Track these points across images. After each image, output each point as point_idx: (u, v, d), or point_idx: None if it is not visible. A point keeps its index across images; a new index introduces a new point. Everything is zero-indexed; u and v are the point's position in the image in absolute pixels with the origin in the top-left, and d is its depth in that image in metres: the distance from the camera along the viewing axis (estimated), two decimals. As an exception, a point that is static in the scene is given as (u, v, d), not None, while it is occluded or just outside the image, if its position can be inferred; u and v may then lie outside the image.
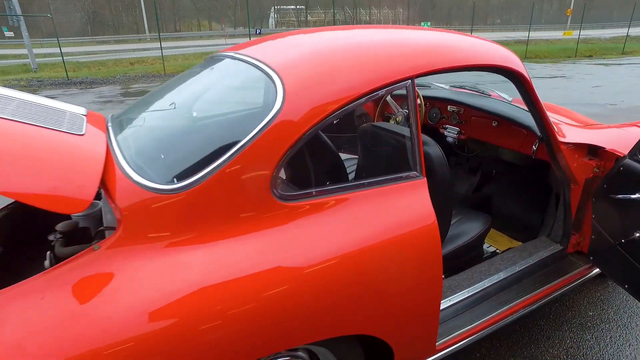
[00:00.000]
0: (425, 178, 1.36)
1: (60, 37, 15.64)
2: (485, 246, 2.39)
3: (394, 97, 2.92)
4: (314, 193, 1.21)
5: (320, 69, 1.30)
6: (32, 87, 12.28)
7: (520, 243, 2.33)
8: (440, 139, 2.64)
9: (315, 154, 1.72)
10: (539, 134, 1.82)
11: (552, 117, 2.08)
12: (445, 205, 1.50)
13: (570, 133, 1.91)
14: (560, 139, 1.76)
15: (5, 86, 11.97)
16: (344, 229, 1.20)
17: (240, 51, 1.58)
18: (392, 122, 2.69)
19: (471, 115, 2.44)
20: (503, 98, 2.43)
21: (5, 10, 15.06)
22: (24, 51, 16.33)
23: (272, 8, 46.61)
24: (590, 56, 18.72)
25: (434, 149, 1.47)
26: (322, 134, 1.73)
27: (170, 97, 1.67)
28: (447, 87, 2.86)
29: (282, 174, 1.36)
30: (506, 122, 2.20)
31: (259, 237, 1.13)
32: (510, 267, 1.90)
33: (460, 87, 2.76)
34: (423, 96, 2.74)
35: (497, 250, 2.34)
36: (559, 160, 1.81)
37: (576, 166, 1.83)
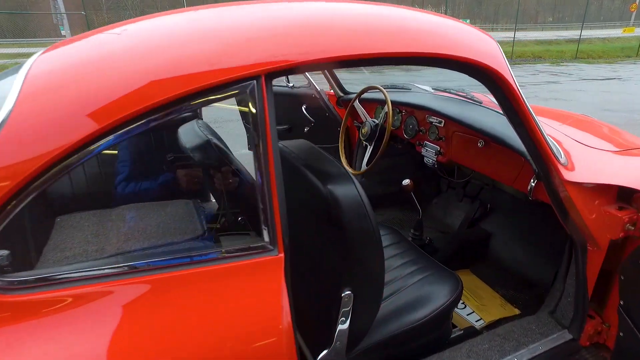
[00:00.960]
0: (282, 254, 0.84)
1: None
2: (463, 310, 1.81)
3: (364, 101, 2.38)
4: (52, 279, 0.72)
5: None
6: None
7: (517, 310, 1.73)
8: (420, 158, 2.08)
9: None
10: (535, 167, 1.23)
11: (564, 133, 1.48)
12: (366, 274, 0.98)
13: (588, 163, 1.31)
14: (567, 174, 1.18)
15: None
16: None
17: None
18: (363, 133, 2.15)
19: (453, 130, 1.86)
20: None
21: (51, 9, 15.83)
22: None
23: None
24: (653, 56, 16.95)
25: (345, 190, 0.95)
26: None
27: None
28: (430, 89, 2.29)
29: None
30: (496, 144, 1.61)
31: None
32: None
33: (445, 91, 2.17)
34: (400, 102, 2.18)
35: (478, 325, 1.73)
36: (566, 209, 1.22)
37: (596, 219, 1.23)
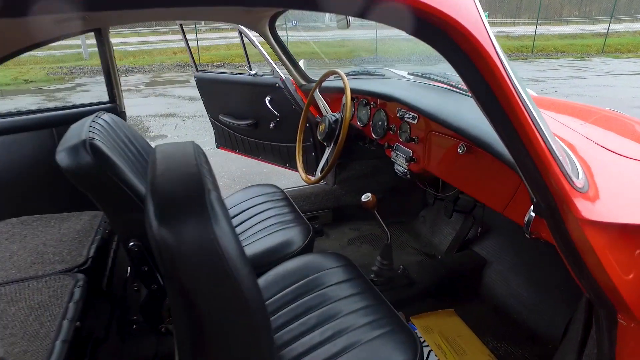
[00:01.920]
0: None
1: (129, 27, 16.25)
2: None
3: (328, 91, 1.90)
4: None
5: None
6: (72, 74, 12.78)
7: None
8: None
9: None
10: (532, 196, 0.74)
11: (585, 136, 0.99)
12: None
13: (622, 186, 0.82)
14: (586, 208, 0.68)
15: (48, 73, 12.64)
16: None
17: None
18: (320, 131, 1.69)
19: (429, 128, 1.36)
20: None
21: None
22: (93, 41, 17.29)
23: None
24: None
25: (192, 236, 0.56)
26: None
27: None
28: (406, 75, 1.79)
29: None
30: (481, 149, 1.12)
31: None
32: None
33: (424, 76, 1.66)
34: (366, 92, 1.69)
35: None
36: (582, 262, 0.73)
37: (634, 280, 0.74)
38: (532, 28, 16.66)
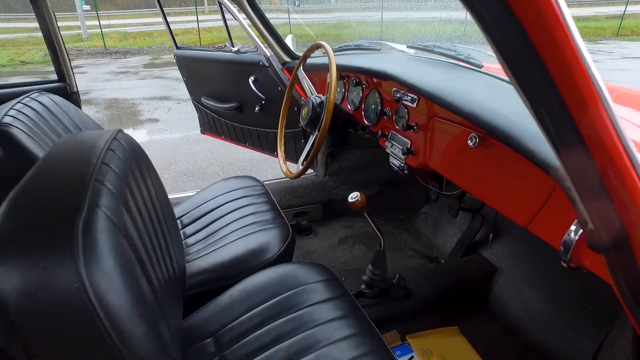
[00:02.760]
0: None
1: (131, 9, 16.06)
2: None
3: (314, 69, 1.64)
4: None
5: None
6: (70, 55, 12.51)
7: None
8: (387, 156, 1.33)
9: None
10: (583, 217, 0.49)
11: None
12: None
13: None
14: None
15: (45, 55, 12.40)
16: None
17: None
18: (303, 115, 1.43)
19: (431, 113, 1.09)
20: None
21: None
22: (95, 22, 17.04)
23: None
24: None
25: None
26: None
27: None
28: (405, 49, 1.51)
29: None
30: (498, 141, 0.83)
31: None
32: None
33: (426, 49, 1.37)
34: (357, 68, 1.42)
35: None
36: None
37: None
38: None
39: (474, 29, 0.36)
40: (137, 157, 0.84)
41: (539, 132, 0.39)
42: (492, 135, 0.82)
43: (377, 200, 2.07)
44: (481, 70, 1.14)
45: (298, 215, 2.04)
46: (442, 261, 1.73)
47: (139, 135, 4.59)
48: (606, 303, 1.20)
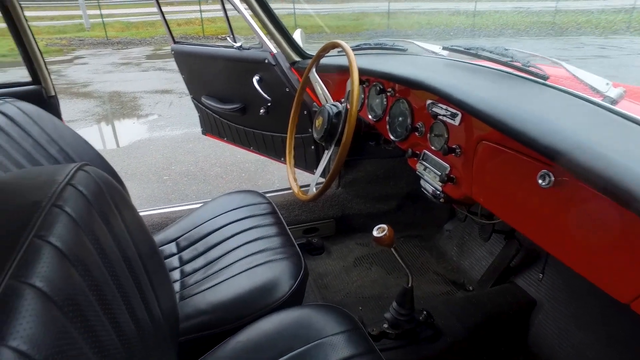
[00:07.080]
0: None
1: None
2: None
3: (328, 70, 1.45)
4: None
5: None
6: (71, 46, 12.56)
7: None
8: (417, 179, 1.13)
9: None
10: None
11: None
12: None
13: None
14: None
15: (47, 44, 12.20)
16: None
17: None
18: (317, 127, 1.24)
19: (481, 135, 0.88)
20: (587, 85, 0.89)
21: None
22: (97, 11, 16.82)
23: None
24: None
25: None
26: None
27: None
28: (440, 51, 1.32)
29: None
30: (589, 188, 0.61)
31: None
32: None
33: (469, 52, 1.15)
34: (381, 74, 1.22)
35: None
36: None
37: None
38: (552, 3, 15.81)
39: None
40: (101, 196, 0.66)
41: None
42: (577, 177, 0.62)
43: (396, 216, 1.88)
44: (547, 82, 0.94)
45: (308, 231, 1.85)
46: (471, 288, 1.55)
47: (139, 131, 4.41)
48: None
